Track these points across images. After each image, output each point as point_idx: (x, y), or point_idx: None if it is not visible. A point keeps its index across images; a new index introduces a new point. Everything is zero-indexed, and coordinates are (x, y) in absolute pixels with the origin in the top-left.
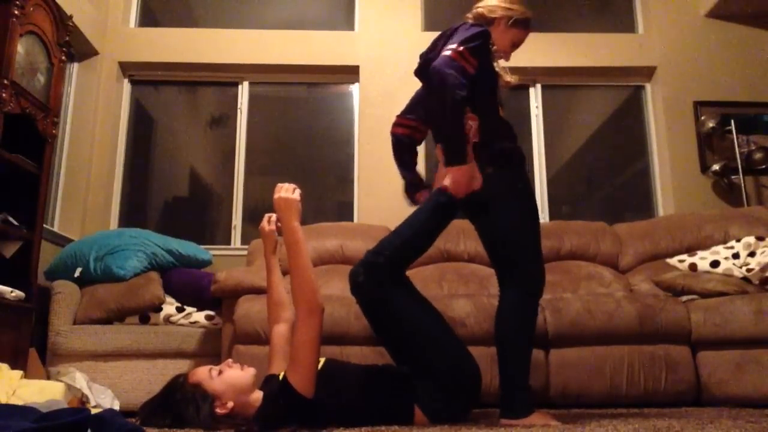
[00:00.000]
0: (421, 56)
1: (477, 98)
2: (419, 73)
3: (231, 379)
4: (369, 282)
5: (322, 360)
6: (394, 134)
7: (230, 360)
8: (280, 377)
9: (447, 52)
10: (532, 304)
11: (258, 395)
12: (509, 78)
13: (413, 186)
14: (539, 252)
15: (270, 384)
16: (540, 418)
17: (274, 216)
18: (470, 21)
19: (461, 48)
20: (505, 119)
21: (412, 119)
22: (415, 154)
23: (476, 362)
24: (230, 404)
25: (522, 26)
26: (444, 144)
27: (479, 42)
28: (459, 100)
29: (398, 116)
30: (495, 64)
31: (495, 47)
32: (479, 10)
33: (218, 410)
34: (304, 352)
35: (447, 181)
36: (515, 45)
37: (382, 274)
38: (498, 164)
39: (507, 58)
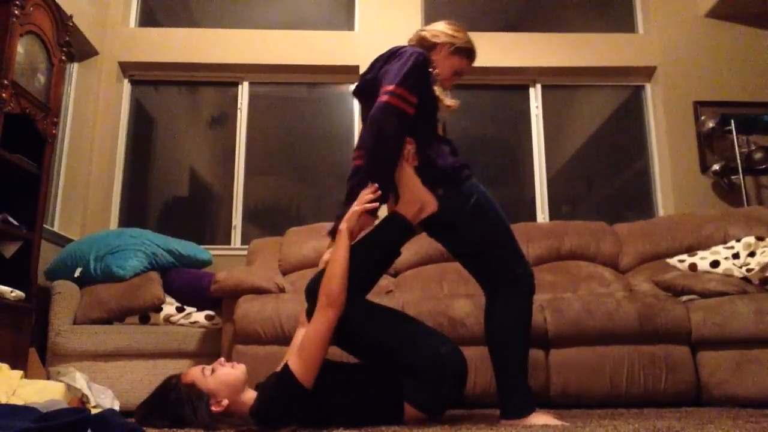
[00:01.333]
0: (360, 76)
1: (415, 125)
2: (358, 93)
3: (224, 376)
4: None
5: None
6: (356, 166)
7: (222, 359)
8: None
9: (384, 97)
10: (528, 303)
11: (251, 394)
12: (449, 102)
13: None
14: (518, 250)
15: (268, 377)
16: (541, 417)
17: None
18: (412, 44)
19: (399, 89)
20: (445, 137)
21: None
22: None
23: (452, 343)
24: (225, 402)
25: (465, 55)
26: (372, 179)
27: (417, 75)
28: (393, 154)
29: (356, 149)
30: (435, 88)
31: (436, 71)
32: (423, 33)
33: (214, 408)
34: (314, 345)
35: (400, 206)
36: (457, 74)
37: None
38: (446, 182)
39: (446, 87)
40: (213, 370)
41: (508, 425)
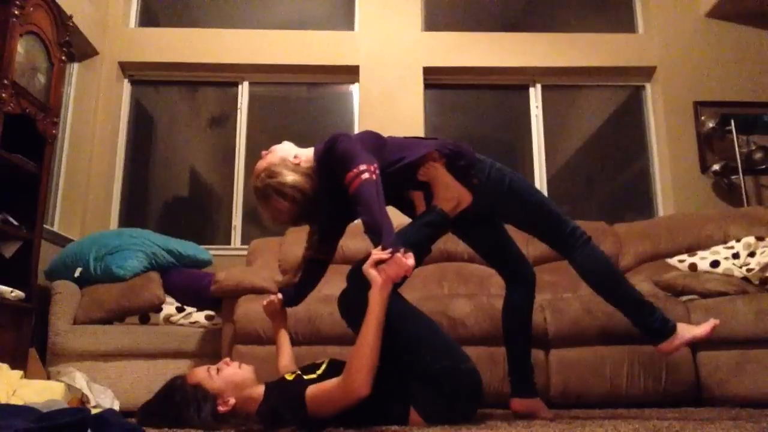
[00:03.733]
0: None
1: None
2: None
3: (230, 376)
4: (352, 290)
5: (326, 360)
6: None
7: (228, 358)
8: (291, 377)
9: (352, 187)
10: (597, 247)
11: (260, 389)
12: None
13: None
14: (560, 213)
15: (279, 382)
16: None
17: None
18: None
19: (353, 172)
20: (424, 137)
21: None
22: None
23: (473, 363)
24: (232, 401)
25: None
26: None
27: (346, 154)
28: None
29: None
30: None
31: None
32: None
33: (221, 408)
34: (328, 408)
35: (437, 203)
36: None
37: (366, 282)
38: (475, 170)
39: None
40: (219, 370)
41: (512, 424)
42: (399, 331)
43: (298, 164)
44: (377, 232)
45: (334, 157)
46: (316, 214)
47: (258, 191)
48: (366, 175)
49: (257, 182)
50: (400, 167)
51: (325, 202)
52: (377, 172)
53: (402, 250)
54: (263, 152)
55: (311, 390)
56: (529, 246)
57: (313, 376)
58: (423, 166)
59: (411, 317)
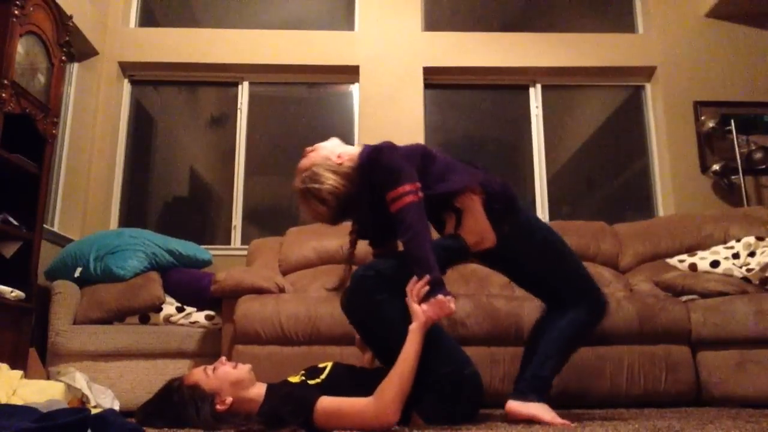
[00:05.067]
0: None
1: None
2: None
3: (226, 374)
4: (357, 292)
5: (330, 364)
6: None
7: (223, 358)
8: (296, 380)
9: (394, 206)
10: (590, 322)
11: (259, 389)
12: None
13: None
14: (583, 275)
15: (282, 384)
16: (545, 410)
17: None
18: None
19: (396, 192)
20: (469, 163)
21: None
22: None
23: (475, 366)
24: (229, 399)
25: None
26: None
27: (393, 166)
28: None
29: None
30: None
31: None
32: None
33: (218, 407)
34: (344, 424)
35: (462, 232)
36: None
37: (371, 283)
38: (508, 216)
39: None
40: (215, 369)
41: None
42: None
43: (340, 164)
44: (419, 264)
45: (378, 167)
46: (355, 212)
47: (298, 192)
48: (409, 198)
49: (298, 182)
50: (442, 191)
51: (366, 206)
52: (420, 194)
53: (449, 297)
54: (307, 149)
55: (326, 402)
56: None
57: (318, 380)
58: (462, 194)
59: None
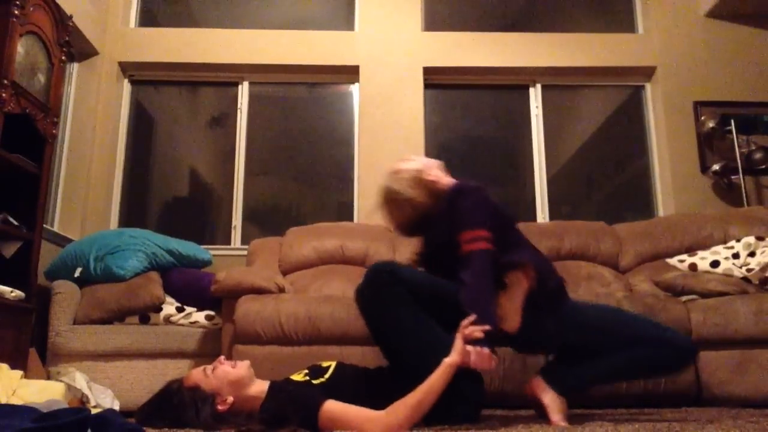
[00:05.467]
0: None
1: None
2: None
3: (226, 374)
4: (369, 285)
5: (333, 364)
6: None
7: (222, 357)
8: (300, 378)
9: (466, 247)
10: (672, 372)
11: (261, 387)
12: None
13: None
14: (651, 327)
15: (286, 382)
16: (558, 407)
17: None
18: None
19: (473, 234)
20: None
21: None
22: None
23: (479, 374)
24: (230, 399)
25: (423, 177)
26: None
27: (478, 210)
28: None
29: None
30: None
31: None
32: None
33: (219, 407)
34: (348, 429)
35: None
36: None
37: (384, 280)
38: (552, 308)
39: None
40: (214, 369)
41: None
42: (411, 335)
43: (432, 182)
44: (479, 311)
45: (464, 203)
46: (427, 234)
47: (383, 191)
48: (484, 244)
49: (387, 182)
50: (505, 260)
51: (437, 235)
52: (491, 246)
53: (495, 356)
54: (407, 156)
55: (333, 406)
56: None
57: (322, 380)
58: (518, 271)
59: (425, 325)
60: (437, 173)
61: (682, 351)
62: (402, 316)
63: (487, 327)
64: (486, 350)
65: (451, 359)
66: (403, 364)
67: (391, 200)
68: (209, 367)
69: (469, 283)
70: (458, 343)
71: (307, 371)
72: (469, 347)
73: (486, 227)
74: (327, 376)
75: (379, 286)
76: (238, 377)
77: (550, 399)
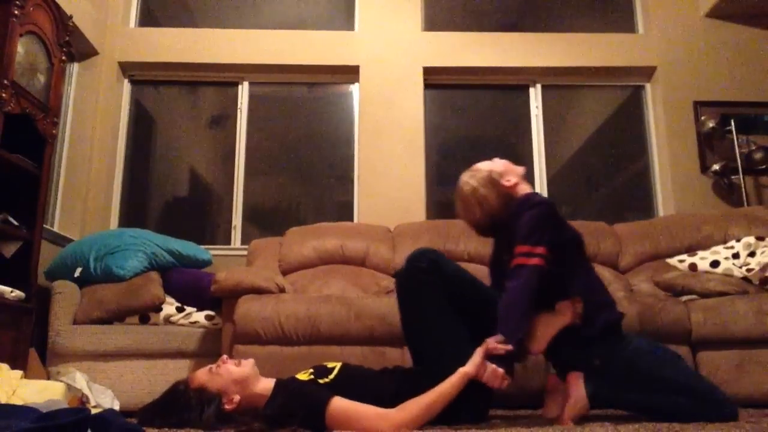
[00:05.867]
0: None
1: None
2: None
3: (231, 373)
4: (408, 270)
5: (339, 364)
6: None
7: (225, 356)
8: (305, 377)
9: (518, 260)
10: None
11: (266, 384)
12: None
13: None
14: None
15: (291, 381)
16: (578, 407)
17: None
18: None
19: (527, 248)
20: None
21: None
22: None
23: None
24: (237, 398)
25: (501, 177)
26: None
27: (540, 226)
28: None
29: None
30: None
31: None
32: (491, 218)
33: (227, 406)
34: (356, 428)
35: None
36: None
37: (425, 264)
38: (603, 345)
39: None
40: (218, 368)
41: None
42: (433, 329)
43: (506, 186)
44: (507, 326)
45: (524, 215)
46: (496, 237)
47: (458, 185)
48: (536, 261)
49: (463, 177)
50: (557, 290)
51: (503, 242)
52: (545, 264)
53: (507, 377)
54: (496, 159)
55: (341, 403)
56: None
57: (327, 380)
58: (568, 301)
59: (449, 323)
60: (515, 179)
61: (725, 415)
62: (427, 306)
63: (509, 347)
64: (500, 370)
65: (466, 369)
66: (418, 353)
67: (463, 196)
68: (214, 366)
69: (510, 292)
70: (477, 356)
71: (312, 371)
72: (487, 362)
73: (544, 244)
74: (332, 376)
75: (417, 270)
76: (243, 375)
77: (578, 396)
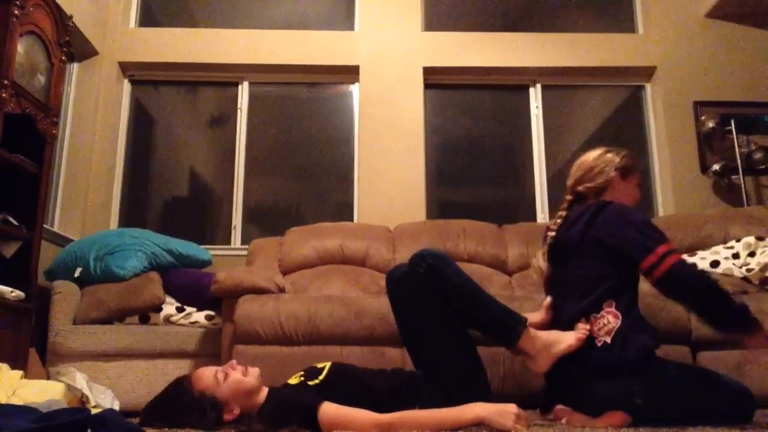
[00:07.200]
0: (556, 233)
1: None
2: (552, 252)
3: (237, 384)
4: (411, 273)
5: (328, 364)
6: None
7: (234, 361)
8: (295, 381)
9: (670, 262)
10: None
11: (264, 393)
12: None
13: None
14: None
15: (284, 388)
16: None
17: None
18: (592, 201)
19: (657, 254)
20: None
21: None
22: None
23: (488, 381)
24: (237, 411)
25: (635, 169)
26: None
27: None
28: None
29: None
30: None
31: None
32: (590, 184)
33: (226, 416)
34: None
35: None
36: (639, 186)
37: (423, 268)
38: (636, 372)
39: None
40: (226, 375)
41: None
42: (425, 338)
43: (606, 174)
44: (723, 315)
45: (619, 219)
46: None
47: (572, 183)
48: (673, 258)
49: (576, 170)
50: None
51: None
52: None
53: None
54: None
55: (331, 409)
56: (530, 247)
57: (317, 381)
58: (589, 323)
59: (438, 328)
60: (613, 175)
61: (746, 406)
62: (423, 311)
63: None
64: (519, 418)
65: (478, 410)
66: (416, 356)
67: (596, 155)
68: (221, 372)
69: (693, 304)
70: (503, 406)
71: (302, 373)
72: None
73: (663, 240)
74: (321, 377)
75: (414, 275)
76: (250, 388)
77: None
